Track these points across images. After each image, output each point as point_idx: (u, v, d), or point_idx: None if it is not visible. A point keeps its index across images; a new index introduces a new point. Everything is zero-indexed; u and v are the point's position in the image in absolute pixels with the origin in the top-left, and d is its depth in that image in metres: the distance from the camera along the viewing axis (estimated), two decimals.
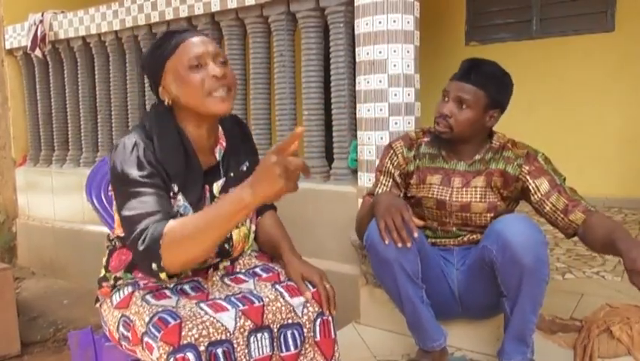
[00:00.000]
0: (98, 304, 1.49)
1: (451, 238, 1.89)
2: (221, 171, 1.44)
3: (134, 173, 1.26)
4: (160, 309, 1.26)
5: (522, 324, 1.66)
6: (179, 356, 1.16)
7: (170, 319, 1.22)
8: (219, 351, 1.21)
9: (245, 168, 1.49)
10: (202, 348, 1.18)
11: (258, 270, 1.51)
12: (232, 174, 1.45)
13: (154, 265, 1.19)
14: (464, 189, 1.83)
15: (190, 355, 1.16)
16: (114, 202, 1.34)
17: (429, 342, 1.80)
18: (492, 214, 1.81)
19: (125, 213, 1.25)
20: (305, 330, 1.38)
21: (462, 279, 1.84)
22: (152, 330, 1.22)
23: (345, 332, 2.24)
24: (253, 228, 1.55)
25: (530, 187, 1.78)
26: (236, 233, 1.46)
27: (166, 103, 1.36)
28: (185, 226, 1.17)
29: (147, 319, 1.25)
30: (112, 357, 1.47)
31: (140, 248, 1.19)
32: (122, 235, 1.36)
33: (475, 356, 1.97)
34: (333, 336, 1.43)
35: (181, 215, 1.32)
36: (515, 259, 1.56)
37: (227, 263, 1.51)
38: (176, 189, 1.34)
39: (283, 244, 1.54)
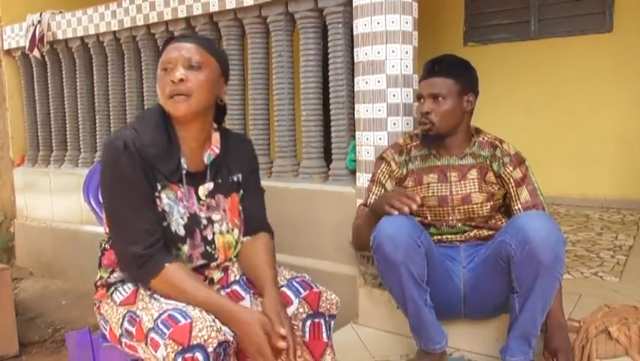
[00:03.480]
0: (96, 308, 1.49)
1: (457, 233, 1.90)
2: (208, 175, 1.45)
3: (127, 177, 1.30)
4: (170, 307, 1.26)
5: (529, 323, 1.67)
6: (188, 355, 1.16)
7: (180, 317, 1.22)
8: (221, 350, 1.22)
9: (236, 179, 1.51)
10: (210, 349, 1.18)
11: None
12: (220, 181, 1.47)
13: (140, 285, 1.38)
14: (462, 181, 1.88)
15: (199, 355, 1.16)
16: (103, 205, 1.38)
17: (430, 344, 1.80)
18: (491, 203, 1.87)
19: (118, 227, 1.34)
20: (294, 326, 1.38)
21: (469, 277, 1.85)
22: (161, 326, 1.21)
23: (343, 333, 2.24)
24: (242, 238, 1.53)
25: (512, 192, 1.86)
26: (219, 238, 1.46)
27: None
28: (175, 285, 1.31)
29: (156, 315, 1.25)
30: (110, 357, 1.47)
31: (134, 271, 1.34)
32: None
33: (474, 357, 1.98)
34: (324, 339, 1.43)
35: (165, 212, 1.37)
36: (534, 254, 1.58)
37: (220, 275, 1.51)
38: (159, 187, 1.36)
39: (267, 272, 1.43)
